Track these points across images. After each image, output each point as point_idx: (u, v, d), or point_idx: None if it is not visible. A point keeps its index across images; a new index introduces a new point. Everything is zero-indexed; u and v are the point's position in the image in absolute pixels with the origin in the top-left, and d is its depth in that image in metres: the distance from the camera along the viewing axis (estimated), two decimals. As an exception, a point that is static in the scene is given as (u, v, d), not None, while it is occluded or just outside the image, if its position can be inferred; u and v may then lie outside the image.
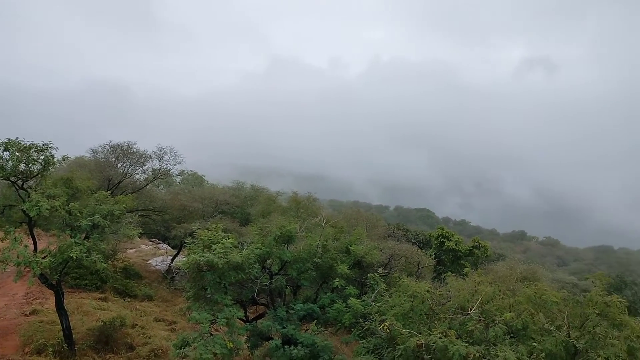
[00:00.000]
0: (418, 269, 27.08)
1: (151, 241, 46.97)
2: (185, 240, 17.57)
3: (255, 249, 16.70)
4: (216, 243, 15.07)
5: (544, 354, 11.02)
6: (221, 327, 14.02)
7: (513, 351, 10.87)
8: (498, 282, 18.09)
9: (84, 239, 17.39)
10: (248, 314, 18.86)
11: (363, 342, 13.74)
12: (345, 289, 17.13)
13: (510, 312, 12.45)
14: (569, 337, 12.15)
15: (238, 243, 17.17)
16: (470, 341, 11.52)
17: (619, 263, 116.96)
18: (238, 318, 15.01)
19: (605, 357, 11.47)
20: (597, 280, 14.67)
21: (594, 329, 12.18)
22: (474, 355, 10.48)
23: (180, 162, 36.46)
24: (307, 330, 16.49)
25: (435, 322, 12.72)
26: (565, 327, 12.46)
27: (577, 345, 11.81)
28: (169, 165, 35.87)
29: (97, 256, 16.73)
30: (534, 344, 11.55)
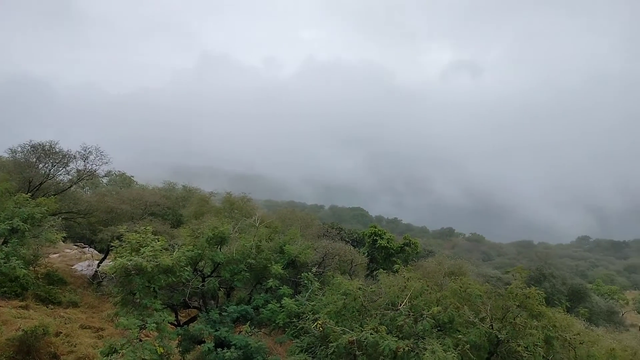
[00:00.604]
0: (351, 267, 27.52)
1: (76, 245, 44.74)
2: (113, 244, 16.93)
3: (187, 251, 16.35)
4: (145, 246, 14.62)
5: (468, 345, 11.56)
6: (151, 332, 13.62)
7: (440, 344, 11.34)
8: (427, 278, 18.76)
9: (2, 244, 16.36)
10: (179, 317, 18.43)
11: (297, 342, 13.81)
12: (280, 289, 17.15)
13: (437, 306, 12.96)
14: (492, 328, 12.81)
15: (169, 245, 16.74)
16: (400, 336, 11.88)
17: (538, 257, 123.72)
18: (169, 322, 14.64)
19: (524, 346, 12.18)
20: (517, 273, 15.56)
21: (514, 319, 12.90)
22: (403, 349, 10.82)
23: (106, 163, 34.89)
24: (240, 332, 16.34)
25: (367, 318, 13.03)
26: (489, 319, 13.12)
27: (499, 336, 12.47)
28: (94, 165, 34.23)
29: (17, 262, 15.80)
30: (459, 336, 12.08)
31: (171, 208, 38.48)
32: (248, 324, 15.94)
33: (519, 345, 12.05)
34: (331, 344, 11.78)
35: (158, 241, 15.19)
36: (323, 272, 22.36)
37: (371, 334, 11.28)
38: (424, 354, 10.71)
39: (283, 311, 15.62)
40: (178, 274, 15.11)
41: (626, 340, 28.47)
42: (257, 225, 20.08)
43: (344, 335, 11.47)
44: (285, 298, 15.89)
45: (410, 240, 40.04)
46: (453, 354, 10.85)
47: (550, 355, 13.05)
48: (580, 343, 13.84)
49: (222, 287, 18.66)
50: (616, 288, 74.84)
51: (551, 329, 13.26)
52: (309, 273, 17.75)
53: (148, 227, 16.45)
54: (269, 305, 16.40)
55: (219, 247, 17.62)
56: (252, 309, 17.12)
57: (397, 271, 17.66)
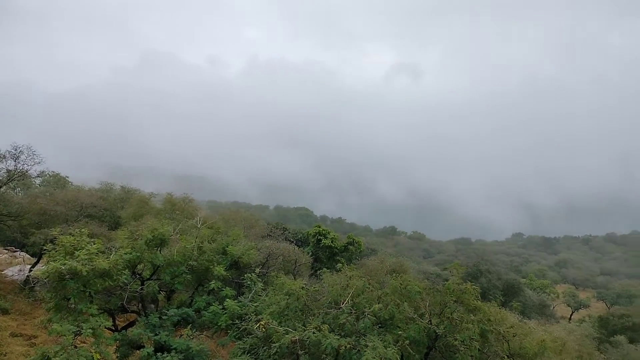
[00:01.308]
0: (295, 266, 27.56)
1: (6, 249, 42.37)
2: (46, 247, 16.13)
3: (125, 254, 15.83)
4: (80, 249, 14.06)
5: (408, 340, 11.85)
6: (87, 338, 13.11)
7: (381, 340, 11.55)
8: (369, 276, 19.05)
9: None
10: (117, 322, 17.82)
11: (239, 343, 13.68)
12: (222, 290, 16.92)
13: (378, 303, 13.20)
14: (431, 323, 13.19)
15: (106, 248, 16.17)
16: (342, 334, 12.03)
17: (476, 253, 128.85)
18: (106, 327, 14.13)
19: (461, 340, 12.62)
20: (454, 270, 16.09)
21: (451, 315, 13.34)
22: (345, 346, 10.96)
23: (39, 163, 33.13)
24: (181, 335, 16.00)
25: (310, 317, 13.08)
26: (427, 314, 13.51)
27: (437, 331, 12.86)
28: (26, 165, 32.46)
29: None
30: (399, 332, 12.37)
31: (109, 210, 37.22)
32: (189, 327, 15.63)
33: (455, 340, 12.47)
34: (274, 345, 11.76)
35: (94, 244, 14.65)
36: (267, 272, 22.27)
37: (314, 333, 11.34)
38: (365, 351, 10.88)
39: (225, 313, 15.42)
40: (115, 277, 14.63)
41: (556, 331, 30.04)
42: (199, 226, 19.72)
43: (286, 335, 11.47)
44: (227, 300, 15.70)
45: (353, 239, 40.58)
46: (393, 350, 11.08)
47: (486, 348, 13.59)
48: (513, 336, 14.51)
49: (162, 290, 18.21)
50: (547, 282, 78.88)
51: (486, 323, 13.81)
52: (252, 274, 17.60)
53: (83, 230, 15.84)
54: (211, 307, 16.14)
55: (158, 249, 17.17)
56: (193, 312, 16.79)
57: (340, 270, 17.86)
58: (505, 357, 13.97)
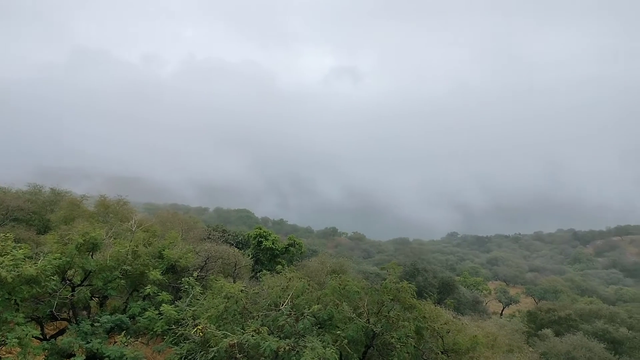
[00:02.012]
0: (235, 269, 27.25)
1: None
2: (-35, 254, 15.13)
3: (54, 259, 15.11)
4: (5, 255, 13.30)
5: (346, 340, 12.01)
6: (13, 348, 12.42)
7: (320, 340, 11.65)
8: (309, 277, 19.17)
9: None
10: (46, 331, 16.96)
11: (176, 349, 13.37)
12: (158, 295, 16.47)
13: (318, 304, 13.30)
14: (369, 322, 13.44)
15: (34, 254, 15.37)
16: (282, 335, 12.03)
17: (413, 252, 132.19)
18: (33, 337, 13.41)
19: (397, 338, 12.95)
20: (391, 269, 16.47)
21: (388, 313, 13.66)
22: (284, 348, 10.96)
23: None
24: (115, 342, 15.45)
25: (249, 320, 12.99)
26: (365, 313, 13.76)
27: (375, 330, 13.12)
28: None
29: None
30: (338, 332, 12.51)
31: (37, 213, 35.40)
32: (123, 333, 15.13)
33: (392, 337, 12.78)
34: (211, 349, 11.58)
35: (20, 249, 13.90)
36: (205, 276, 21.88)
37: (252, 335, 11.27)
38: (304, 352, 10.93)
39: (162, 318, 15.03)
40: (43, 284, 13.93)
41: (488, 327, 31.37)
42: (134, 229, 19.12)
43: (224, 339, 11.33)
44: (164, 304, 15.30)
45: (294, 241, 40.62)
46: (332, 350, 11.20)
47: (421, 345, 14.00)
48: (447, 332, 15.03)
49: (94, 297, 17.51)
50: (480, 279, 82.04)
51: (422, 320, 14.24)
52: (190, 277, 17.25)
53: (9, 234, 14.99)
54: (147, 312, 15.68)
55: (90, 254, 16.51)
56: (127, 318, 16.25)
57: (280, 272, 17.85)
58: (440, 352, 14.44)
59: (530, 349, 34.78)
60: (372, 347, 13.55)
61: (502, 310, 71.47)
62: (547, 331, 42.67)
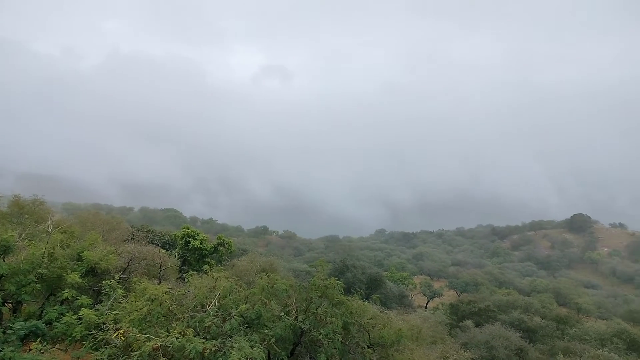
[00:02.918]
0: (161, 270, 26.49)
1: None
2: None
3: (-42, 264, 14.04)
4: None
5: (274, 338, 12.01)
6: None
7: (247, 340, 11.57)
8: (238, 276, 18.99)
9: None
10: (-51, 342, 15.72)
11: (96, 355, 12.81)
12: (77, 299, 15.72)
13: (245, 303, 13.20)
14: (297, 320, 13.52)
15: None
16: (208, 337, 11.83)
17: (343, 249, 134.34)
18: None
19: (325, 334, 13.11)
20: (320, 266, 16.66)
21: (316, 310, 13.80)
22: (210, 349, 10.80)
23: None
24: (30, 350, 14.57)
25: (174, 322, 12.67)
26: (294, 311, 13.82)
27: (303, 327, 13.21)
28: None
29: None
30: (266, 330, 12.49)
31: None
32: (38, 340, 14.31)
33: (320, 334, 12.92)
34: (134, 353, 11.20)
35: None
36: (128, 278, 21.11)
37: (177, 338, 11.01)
38: (231, 352, 10.82)
39: (81, 323, 14.35)
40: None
41: (413, 320, 32.43)
42: (50, 230, 18.11)
43: (147, 343, 10.99)
44: (83, 309, 14.61)
45: (224, 240, 40.01)
46: (259, 349, 11.17)
47: (348, 340, 14.27)
48: (373, 326, 15.41)
49: (7, 302, 16.44)
50: (406, 274, 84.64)
51: (349, 315, 14.50)
52: (112, 280, 16.58)
53: None
54: (65, 317, 14.91)
55: (2, 256, 15.48)
56: (44, 324, 15.39)
57: (207, 272, 17.55)
58: (366, 347, 14.79)
59: (452, 340, 36.32)
60: (300, 345, 13.64)
61: (427, 304, 74.18)
62: (468, 322, 44.78)
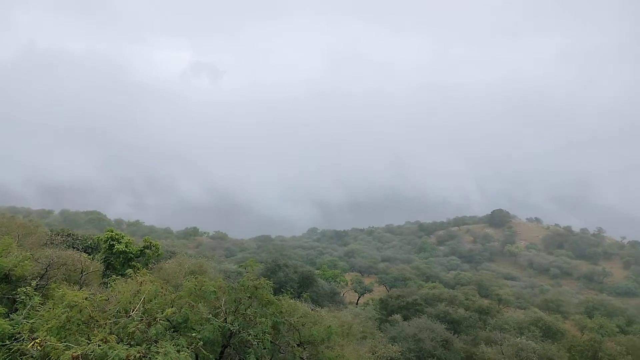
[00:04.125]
0: (82, 276, 25.30)
1: None
2: None
3: None
4: None
5: (202, 342, 11.82)
6: None
7: (174, 344, 11.31)
8: (166, 280, 18.50)
9: None
10: None
11: (10, 367, 12.08)
12: (-11, 309, 14.71)
13: (172, 307, 12.89)
14: (226, 321, 13.37)
15: None
16: (132, 343, 11.46)
17: (275, 249, 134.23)
18: None
19: (254, 335, 13.07)
20: (249, 267, 16.57)
21: (245, 311, 13.72)
22: (135, 356, 10.47)
23: None
24: None
25: (96, 329, 12.17)
26: (222, 313, 13.67)
27: (231, 328, 13.09)
28: None
29: None
30: (193, 334, 12.26)
31: None
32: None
33: (249, 335, 12.86)
34: (52, 363, 10.66)
35: None
36: (46, 284, 20.01)
37: (99, 345, 10.58)
38: (156, 358, 10.54)
39: (-7, 335, 13.45)
40: None
41: (344, 316, 32.97)
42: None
43: (67, 352, 10.48)
44: (-5, 319, 13.71)
45: (151, 243, 38.79)
46: (186, 353, 10.95)
47: (278, 340, 14.30)
48: (302, 325, 15.53)
49: None
50: (338, 272, 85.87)
51: (278, 315, 14.52)
52: (28, 287, 15.65)
53: None
54: (-26, 329, 13.92)
55: None
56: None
57: (130, 276, 16.99)
58: (296, 345, 14.89)
59: (382, 334, 37.27)
60: (229, 346, 13.51)
61: (358, 300, 75.58)
62: (397, 316, 46.12)
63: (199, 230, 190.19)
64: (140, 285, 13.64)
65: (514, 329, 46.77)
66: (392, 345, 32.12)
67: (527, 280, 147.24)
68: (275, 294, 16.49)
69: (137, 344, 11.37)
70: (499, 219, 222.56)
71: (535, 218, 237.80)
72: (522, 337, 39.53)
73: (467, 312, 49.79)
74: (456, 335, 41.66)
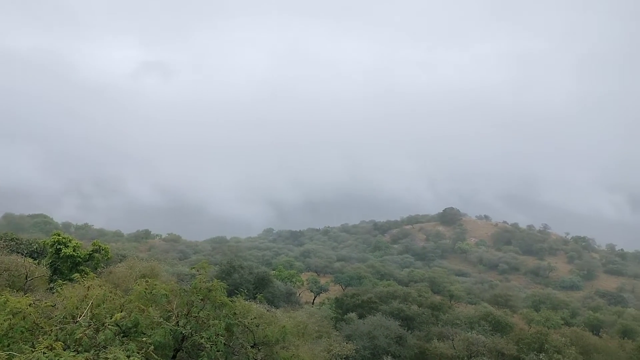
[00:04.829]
0: (27, 281, 24.34)
1: None
2: None
3: None
4: None
5: (153, 346, 11.60)
6: None
7: (123, 350, 11.06)
8: (115, 284, 18.04)
9: None
10: None
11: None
12: None
13: (121, 311, 12.60)
14: (178, 325, 13.18)
15: None
16: (80, 349, 11.13)
17: (231, 251, 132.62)
18: None
19: (207, 337, 12.93)
20: (202, 269, 16.37)
21: (198, 313, 13.56)
22: (82, 362, 10.19)
23: None
24: None
25: (41, 337, 11.75)
26: (175, 316, 13.46)
27: (183, 332, 12.91)
28: None
29: None
30: (144, 338, 12.01)
31: None
32: None
33: (202, 338, 12.72)
34: (-7, 374, 10.24)
35: None
36: (-13, 292, 19.13)
37: (44, 353, 10.22)
38: (105, 364, 10.29)
39: None
40: None
41: (299, 316, 33.09)
42: None
43: (9, 361, 10.09)
44: None
45: (100, 246, 37.66)
46: (136, 358, 10.73)
47: (231, 342, 14.20)
48: (257, 326, 15.48)
49: None
50: (294, 272, 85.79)
51: (232, 317, 14.42)
52: (-34, 295, 14.93)
53: None
54: None
55: None
56: None
57: (78, 281, 16.51)
58: (250, 347, 14.83)
59: (337, 333, 37.59)
60: (181, 350, 13.32)
61: (314, 299, 75.83)
62: (352, 315, 46.53)
63: (151, 233, 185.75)
64: (88, 290, 13.25)
65: (465, 324, 48.11)
66: (347, 343, 32.45)
67: (477, 276, 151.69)
68: (230, 296, 16.36)
69: (85, 351, 11.06)
70: (450, 217, 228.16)
71: (485, 216, 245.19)
72: (473, 332, 40.77)
73: (420, 308, 50.80)
74: (410, 331, 42.45)
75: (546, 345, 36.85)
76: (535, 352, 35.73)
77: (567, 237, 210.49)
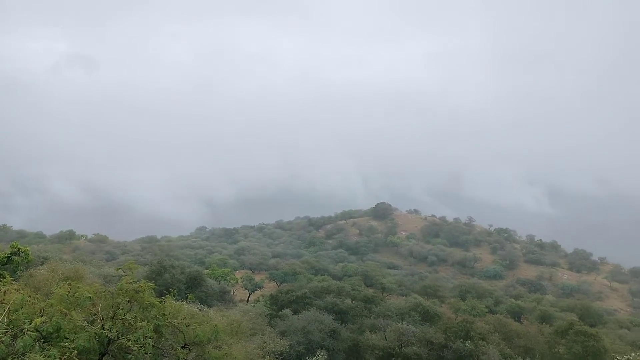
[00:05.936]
0: None
1: None
2: None
3: None
4: None
5: (76, 351, 11.16)
6: None
7: (44, 356, 10.58)
8: (37, 287, 17.15)
9: None
10: None
11: None
12: None
13: (42, 316, 12.02)
14: (103, 328, 12.73)
15: None
16: (-5, 358, 10.54)
17: (162, 250, 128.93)
18: None
19: (134, 340, 12.57)
20: (128, 269, 15.86)
21: (125, 316, 13.15)
22: (-2, 372, 9.65)
23: None
24: None
25: (-49, 347, 11.00)
26: (100, 319, 12.98)
27: (109, 335, 12.49)
28: None
29: None
30: (67, 343, 11.53)
31: None
32: None
33: (129, 340, 12.36)
34: None
35: None
36: None
37: (-46, 364, 9.61)
38: (24, 372, 9.80)
39: None
40: None
41: (233, 315, 32.79)
42: None
43: None
44: None
45: (19, 249, 35.60)
46: (58, 364, 10.30)
47: (160, 343, 13.89)
48: (187, 326, 15.22)
49: None
50: (228, 270, 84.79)
51: (161, 318, 14.10)
52: None
53: None
54: None
55: None
56: None
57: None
58: (180, 347, 14.58)
59: (271, 329, 37.62)
60: (107, 354, 12.87)
61: (248, 297, 75.37)
62: (287, 311, 46.75)
63: (76, 234, 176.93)
64: (5, 295, 12.52)
65: (396, 315, 49.64)
66: (282, 339, 32.57)
67: (408, 268, 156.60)
68: (161, 296, 15.98)
69: (2, 359, 10.48)
70: (382, 211, 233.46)
71: (415, 210, 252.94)
72: (403, 322, 42.14)
73: (353, 302, 51.83)
74: (343, 324, 43.23)
75: (472, 333, 38.72)
76: (461, 340, 37.47)
77: (491, 229, 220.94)
